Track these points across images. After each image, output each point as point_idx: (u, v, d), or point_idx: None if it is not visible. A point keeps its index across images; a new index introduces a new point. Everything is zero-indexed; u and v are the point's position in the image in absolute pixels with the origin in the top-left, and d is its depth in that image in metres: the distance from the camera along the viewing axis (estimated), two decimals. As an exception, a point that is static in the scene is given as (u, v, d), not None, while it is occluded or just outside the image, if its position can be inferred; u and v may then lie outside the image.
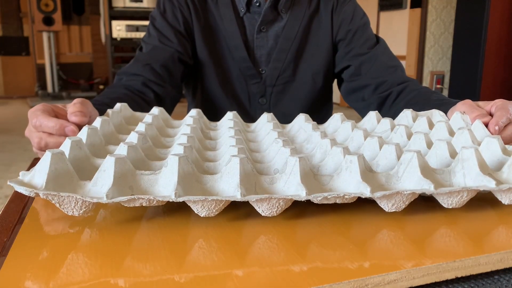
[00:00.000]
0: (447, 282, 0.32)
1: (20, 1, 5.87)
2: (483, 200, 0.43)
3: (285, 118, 0.81)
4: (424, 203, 0.43)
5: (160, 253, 0.33)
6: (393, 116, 0.67)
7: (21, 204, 0.45)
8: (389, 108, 0.85)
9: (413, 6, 4.37)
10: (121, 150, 0.43)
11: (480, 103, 0.61)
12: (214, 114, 0.85)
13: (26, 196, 0.45)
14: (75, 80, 6.00)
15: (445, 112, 0.64)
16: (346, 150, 0.44)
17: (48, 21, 5.14)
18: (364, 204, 0.41)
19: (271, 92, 0.94)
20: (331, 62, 0.95)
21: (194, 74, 0.94)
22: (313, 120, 0.61)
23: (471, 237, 0.36)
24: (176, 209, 0.41)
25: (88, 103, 0.58)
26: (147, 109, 0.71)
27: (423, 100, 0.75)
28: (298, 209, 0.41)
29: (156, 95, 0.82)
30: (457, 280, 0.33)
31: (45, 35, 5.30)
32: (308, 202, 0.39)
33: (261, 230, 0.37)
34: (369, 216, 0.40)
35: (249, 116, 0.94)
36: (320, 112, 0.99)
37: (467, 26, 3.97)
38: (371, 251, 0.33)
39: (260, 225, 0.38)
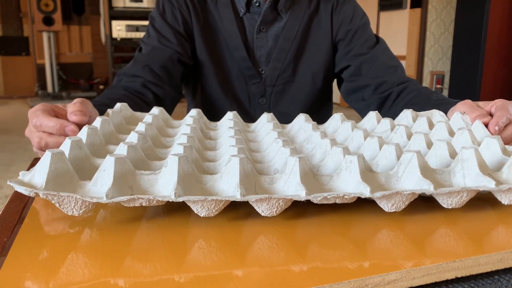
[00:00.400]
0: (447, 282, 0.32)
1: (20, 1, 5.87)
2: (483, 200, 0.43)
3: (285, 118, 0.81)
4: (424, 203, 0.43)
5: (160, 253, 0.33)
6: (393, 116, 0.67)
7: (21, 204, 0.45)
8: (389, 108, 0.85)
9: (413, 6, 4.37)
10: (121, 150, 0.43)
11: (480, 103, 0.61)
12: (214, 114, 0.85)
13: (26, 196, 0.45)
14: (75, 80, 6.00)
15: (445, 112, 0.64)
16: (346, 150, 0.44)
17: (48, 21, 5.14)
18: (364, 204, 0.41)
19: (271, 92, 0.94)
20: (331, 62, 0.95)
21: (193, 75, 0.94)
22: (313, 120, 0.61)
23: (471, 237, 0.36)
24: (176, 209, 0.41)
25: (88, 102, 0.58)
26: (146, 110, 0.71)
27: (423, 100, 0.75)
28: (298, 209, 0.41)
29: (155, 96, 0.82)
30: (457, 280, 0.33)
31: (45, 35, 5.30)
32: (308, 202, 0.39)
33: (261, 230, 0.37)
34: (369, 216, 0.40)
35: (249, 116, 0.94)
36: (320, 112, 0.99)
37: (467, 26, 3.97)
38: (371, 251, 0.33)
39: (260, 225, 0.38)
